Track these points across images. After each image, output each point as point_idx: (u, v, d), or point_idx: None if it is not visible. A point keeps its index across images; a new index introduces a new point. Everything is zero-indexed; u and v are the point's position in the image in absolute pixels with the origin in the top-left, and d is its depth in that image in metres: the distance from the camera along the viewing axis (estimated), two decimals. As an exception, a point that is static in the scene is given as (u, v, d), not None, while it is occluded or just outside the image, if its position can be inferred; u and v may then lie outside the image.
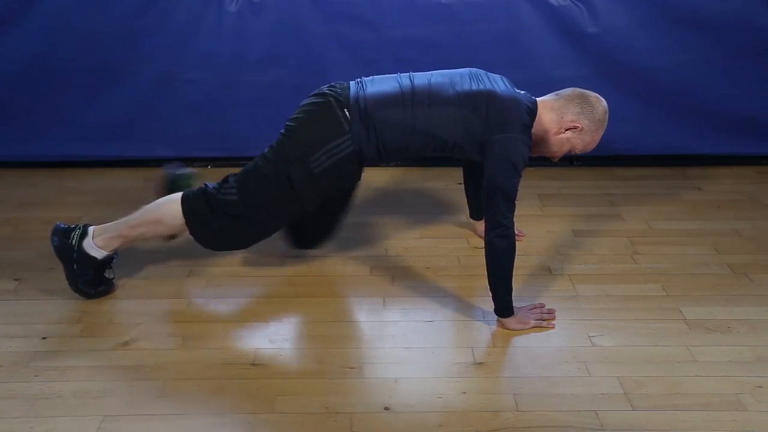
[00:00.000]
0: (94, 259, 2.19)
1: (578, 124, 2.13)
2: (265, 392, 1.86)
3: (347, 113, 2.08)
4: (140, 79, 3.09)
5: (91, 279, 2.22)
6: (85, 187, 3.11)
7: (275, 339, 2.08)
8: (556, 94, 2.18)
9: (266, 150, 2.14)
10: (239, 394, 1.86)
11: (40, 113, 3.14)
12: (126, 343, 2.04)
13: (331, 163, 2.08)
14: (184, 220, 2.16)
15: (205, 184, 2.18)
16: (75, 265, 2.19)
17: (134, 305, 2.23)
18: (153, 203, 2.21)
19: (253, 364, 1.96)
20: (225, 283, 2.36)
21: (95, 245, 2.18)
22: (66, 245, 2.18)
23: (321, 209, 2.27)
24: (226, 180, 2.17)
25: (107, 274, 2.27)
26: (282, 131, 2.14)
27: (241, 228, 2.18)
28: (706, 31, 3.06)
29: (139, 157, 3.25)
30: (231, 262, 2.48)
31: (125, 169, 3.25)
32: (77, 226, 2.21)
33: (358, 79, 2.20)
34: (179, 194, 2.19)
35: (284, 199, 2.14)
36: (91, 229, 2.21)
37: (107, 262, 2.24)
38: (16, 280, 2.36)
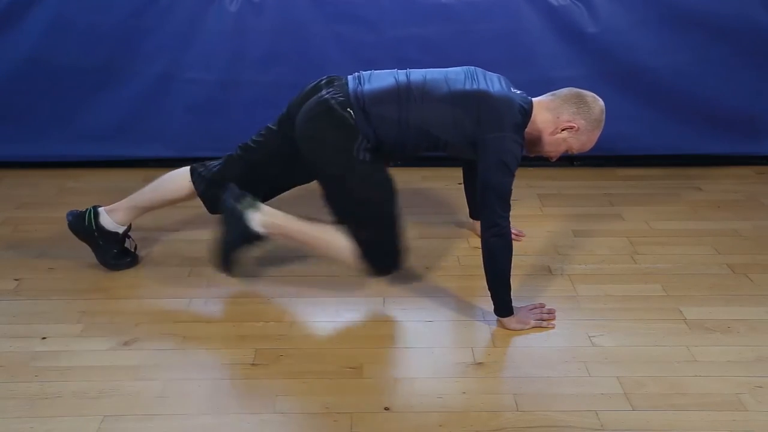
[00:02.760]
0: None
1: (574, 124, 2.13)
2: (265, 392, 1.86)
3: (351, 112, 2.08)
4: (140, 79, 3.09)
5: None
6: (85, 187, 3.11)
7: (275, 339, 2.08)
8: (552, 94, 2.18)
9: (324, 188, 2.19)
10: (239, 394, 1.86)
11: (40, 113, 3.14)
12: (126, 343, 2.04)
13: (368, 153, 2.09)
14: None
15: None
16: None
17: (134, 305, 2.24)
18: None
19: (253, 364, 1.97)
20: (225, 283, 2.36)
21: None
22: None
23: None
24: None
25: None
26: (302, 147, 2.14)
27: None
28: (706, 31, 3.06)
29: (139, 157, 3.26)
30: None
31: (125, 169, 3.25)
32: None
33: (356, 74, 2.20)
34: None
35: (381, 201, 2.16)
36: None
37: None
38: (16, 280, 2.36)
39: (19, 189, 3.07)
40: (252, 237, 2.20)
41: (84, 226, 2.34)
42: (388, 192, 2.18)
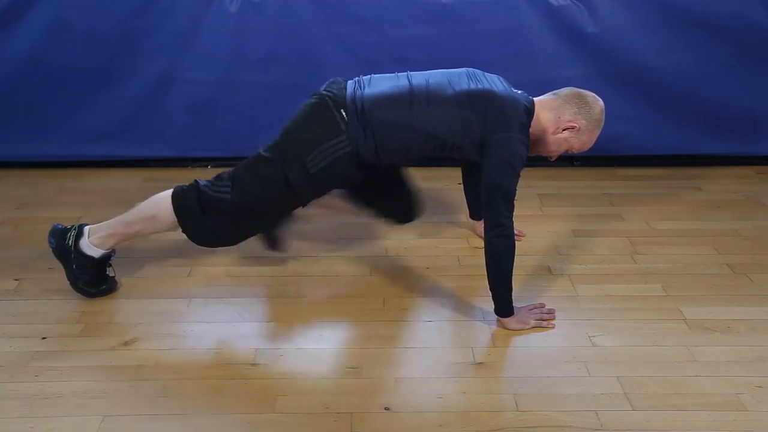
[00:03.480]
0: (91, 258, 2.19)
1: (575, 124, 2.13)
2: (265, 392, 1.86)
3: (344, 113, 2.07)
4: (140, 79, 3.09)
5: (92, 278, 2.22)
6: (85, 187, 3.11)
7: (275, 339, 2.08)
8: (554, 94, 2.18)
9: (262, 149, 2.14)
10: (239, 394, 1.86)
11: (40, 113, 3.14)
12: (126, 343, 2.04)
13: (327, 163, 2.06)
14: (176, 217, 2.15)
15: (196, 181, 2.17)
16: (74, 265, 2.20)
17: (134, 305, 2.23)
18: (147, 200, 2.20)
19: (253, 364, 1.97)
20: (225, 283, 2.36)
21: (92, 244, 2.19)
22: (63, 246, 2.19)
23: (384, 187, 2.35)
24: (219, 177, 2.16)
25: (109, 272, 2.28)
26: (281, 131, 2.14)
27: (234, 225, 2.17)
28: (706, 31, 3.06)
29: (139, 157, 3.26)
30: (231, 262, 2.48)
31: (125, 169, 3.25)
32: (73, 226, 2.22)
33: (357, 78, 2.19)
34: (170, 191, 2.18)
35: (280, 197, 2.13)
36: (86, 228, 2.21)
37: (106, 260, 2.24)
38: (16, 280, 2.36)
39: (19, 189, 3.07)
40: (95, 261, 2.20)
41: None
42: (284, 208, 2.21)
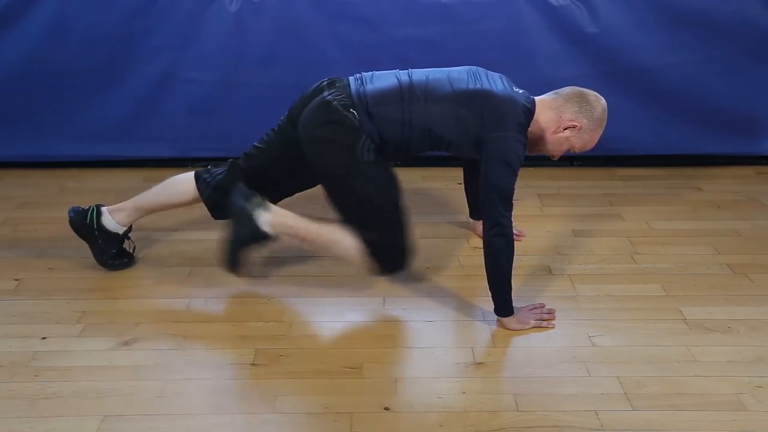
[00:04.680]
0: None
1: (577, 123, 2.13)
2: (265, 392, 1.86)
3: (355, 113, 2.08)
4: (140, 79, 3.09)
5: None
6: (85, 187, 3.11)
7: (275, 339, 2.08)
8: (555, 93, 2.18)
9: (327, 187, 2.19)
10: (239, 394, 1.86)
11: (40, 113, 3.14)
12: (126, 343, 2.04)
13: (371, 154, 2.09)
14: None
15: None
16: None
17: (134, 305, 2.24)
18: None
19: (253, 364, 1.97)
20: (225, 283, 2.36)
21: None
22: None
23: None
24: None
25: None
26: (307, 150, 2.14)
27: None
28: (706, 31, 3.06)
29: (139, 157, 3.26)
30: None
31: (125, 169, 3.25)
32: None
33: (358, 75, 2.20)
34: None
35: (385, 200, 2.16)
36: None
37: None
38: (16, 280, 2.36)
39: (19, 189, 3.07)
40: (260, 236, 2.20)
41: (85, 224, 2.34)
42: (393, 191, 2.18)
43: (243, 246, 2.23)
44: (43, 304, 2.23)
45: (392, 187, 2.17)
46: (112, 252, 2.38)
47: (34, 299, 2.26)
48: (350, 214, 2.17)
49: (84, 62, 3.04)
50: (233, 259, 2.24)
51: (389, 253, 2.18)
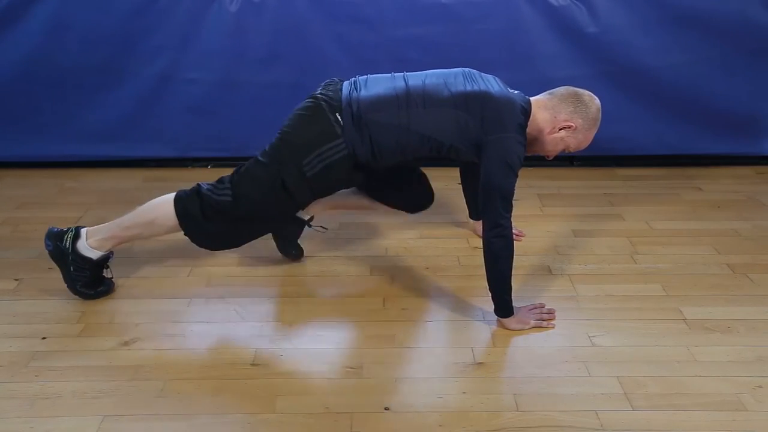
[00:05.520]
0: (89, 259, 2.19)
1: (572, 123, 2.13)
2: (265, 392, 1.86)
3: (339, 117, 2.07)
4: (140, 79, 3.10)
5: (89, 280, 2.22)
6: (85, 187, 3.11)
7: (275, 339, 2.08)
8: (550, 93, 2.18)
9: (259, 154, 2.15)
10: (239, 394, 1.86)
11: (40, 113, 3.14)
12: (126, 343, 2.04)
13: (323, 166, 2.07)
14: (177, 222, 2.15)
15: (199, 185, 2.17)
16: (71, 267, 2.19)
17: (134, 305, 2.23)
18: (146, 204, 2.20)
19: (253, 364, 1.97)
20: (225, 283, 2.36)
21: (89, 246, 2.19)
22: (60, 248, 2.19)
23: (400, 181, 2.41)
24: (221, 181, 2.16)
25: (106, 273, 2.28)
26: (277, 135, 2.14)
27: (236, 228, 2.18)
28: (706, 31, 3.06)
29: (139, 157, 3.26)
30: (231, 262, 2.48)
31: (125, 169, 3.25)
32: (69, 228, 2.22)
33: (353, 79, 2.19)
34: (172, 195, 2.17)
35: (278, 201, 2.14)
36: (83, 230, 2.21)
37: (103, 261, 2.24)
38: (16, 280, 2.36)
39: (19, 189, 3.07)
40: (93, 263, 2.20)
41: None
42: (284, 211, 2.21)
43: (86, 279, 2.20)
44: (43, 304, 2.23)
45: (289, 205, 2.16)
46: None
47: (34, 299, 2.26)
48: (243, 182, 2.12)
49: (84, 62, 3.05)
50: (93, 290, 2.23)
51: (207, 232, 2.16)
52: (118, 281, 2.33)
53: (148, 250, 2.53)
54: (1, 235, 2.67)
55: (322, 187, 2.16)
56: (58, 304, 2.22)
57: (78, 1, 2.97)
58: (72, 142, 3.18)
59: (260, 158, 2.13)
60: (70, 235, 2.19)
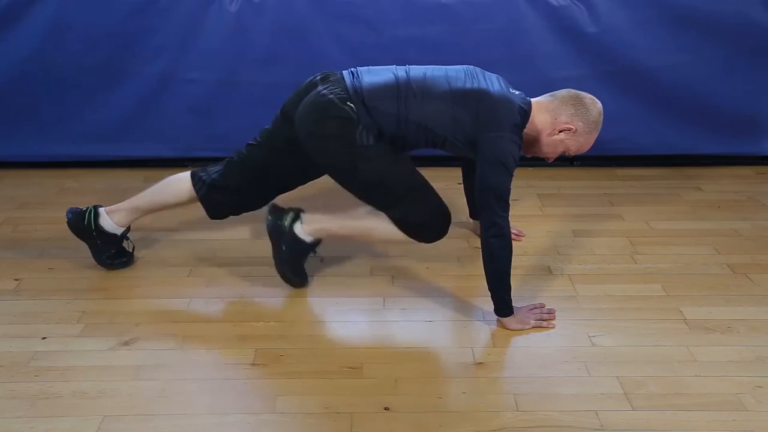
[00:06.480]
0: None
1: (572, 126, 2.13)
2: (265, 392, 1.86)
3: (352, 105, 2.08)
4: (140, 79, 3.09)
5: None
6: (85, 187, 3.11)
7: (275, 339, 2.08)
8: (551, 95, 2.18)
9: (342, 179, 2.22)
10: (239, 394, 1.86)
11: (40, 113, 3.14)
12: (126, 343, 2.04)
13: (371, 137, 2.09)
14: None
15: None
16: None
17: (134, 305, 2.24)
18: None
19: (253, 364, 1.97)
20: (225, 283, 2.36)
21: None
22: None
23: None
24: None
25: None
26: (306, 146, 2.15)
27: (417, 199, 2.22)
28: (706, 31, 3.06)
29: (139, 157, 3.26)
30: (231, 262, 2.48)
31: (125, 169, 3.25)
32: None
33: (352, 69, 2.20)
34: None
35: (400, 178, 2.18)
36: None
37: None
38: (16, 280, 2.36)
39: (19, 189, 3.07)
40: (304, 248, 2.27)
41: (83, 225, 2.34)
42: (401, 165, 2.19)
43: (294, 262, 2.28)
44: (43, 304, 2.23)
45: (399, 161, 2.18)
46: (111, 252, 2.39)
47: (34, 299, 2.26)
48: (369, 198, 2.20)
49: (84, 62, 3.04)
50: (293, 275, 2.30)
51: (422, 224, 2.19)
52: (119, 281, 2.33)
53: (149, 250, 2.53)
54: (1, 235, 2.67)
55: (393, 147, 2.15)
56: (58, 304, 2.22)
57: (78, 1, 2.97)
58: (72, 142, 3.18)
59: (342, 181, 2.21)
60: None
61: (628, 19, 3.04)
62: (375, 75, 2.16)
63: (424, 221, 2.19)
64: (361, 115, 2.07)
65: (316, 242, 2.30)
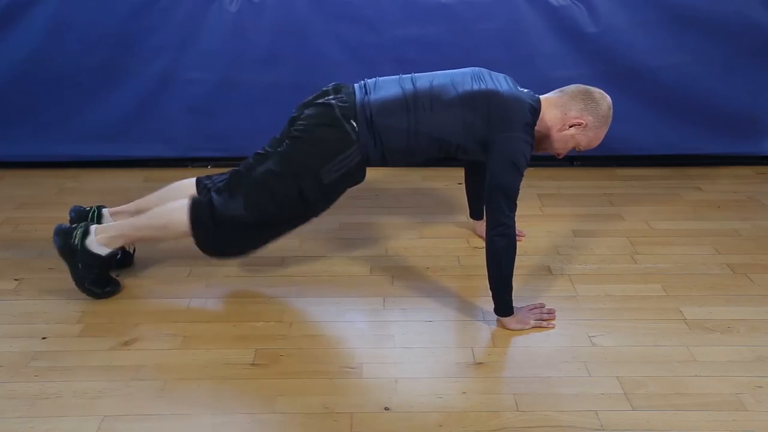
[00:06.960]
0: (98, 256, 2.19)
1: (582, 121, 2.13)
2: (265, 392, 1.86)
3: (354, 124, 2.08)
4: (140, 79, 3.09)
5: (97, 278, 2.22)
6: (85, 187, 3.11)
7: (275, 339, 2.08)
8: (560, 91, 2.19)
9: (271, 163, 2.14)
10: (239, 394, 1.86)
11: (40, 113, 3.14)
12: (126, 343, 2.04)
13: (341, 174, 2.10)
14: (189, 229, 2.14)
15: (211, 195, 2.18)
16: (80, 264, 2.19)
17: (134, 305, 2.23)
18: (161, 207, 2.21)
19: (253, 364, 1.97)
20: (225, 283, 2.36)
21: (99, 243, 2.19)
22: (69, 245, 2.18)
23: None
24: (231, 194, 2.15)
25: (126, 257, 2.35)
26: (288, 142, 2.14)
27: (247, 238, 2.20)
28: (706, 31, 3.06)
29: (139, 157, 3.26)
30: (231, 262, 2.47)
31: (125, 169, 3.25)
32: (78, 225, 2.22)
33: (362, 83, 2.20)
34: (186, 202, 2.16)
35: (294, 210, 2.17)
36: (92, 227, 2.21)
37: (112, 259, 2.24)
38: (16, 280, 2.36)
39: (19, 189, 3.07)
40: (103, 261, 2.20)
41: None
42: (299, 219, 2.21)
43: (89, 277, 2.20)
44: (43, 304, 2.23)
45: (307, 211, 2.19)
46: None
47: (34, 299, 2.25)
48: (257, 191, 2.14)
49: (84, 62, 3.04)
50: (100, 289, 2.23)
51: (224, 239, 2.17)
52: (119, 281, 2.33)
53: (149, 250, 2.53)
54: (1, 235, 2.67)
55: (337, 193, 2.18)
56: (58, 304, 2.22)
57: (78, 1, 2.97)
58: (72, 142, 3.18)
59: (273, 169, 2.13)
60: (79, 231, 2.19)
61: (628, 19, 3.04)
62: (383, 90, 2.15)
63: (231, 240, 2.18)
64: (360, 135, 2.08)
65: (114, 254, 2.23)
